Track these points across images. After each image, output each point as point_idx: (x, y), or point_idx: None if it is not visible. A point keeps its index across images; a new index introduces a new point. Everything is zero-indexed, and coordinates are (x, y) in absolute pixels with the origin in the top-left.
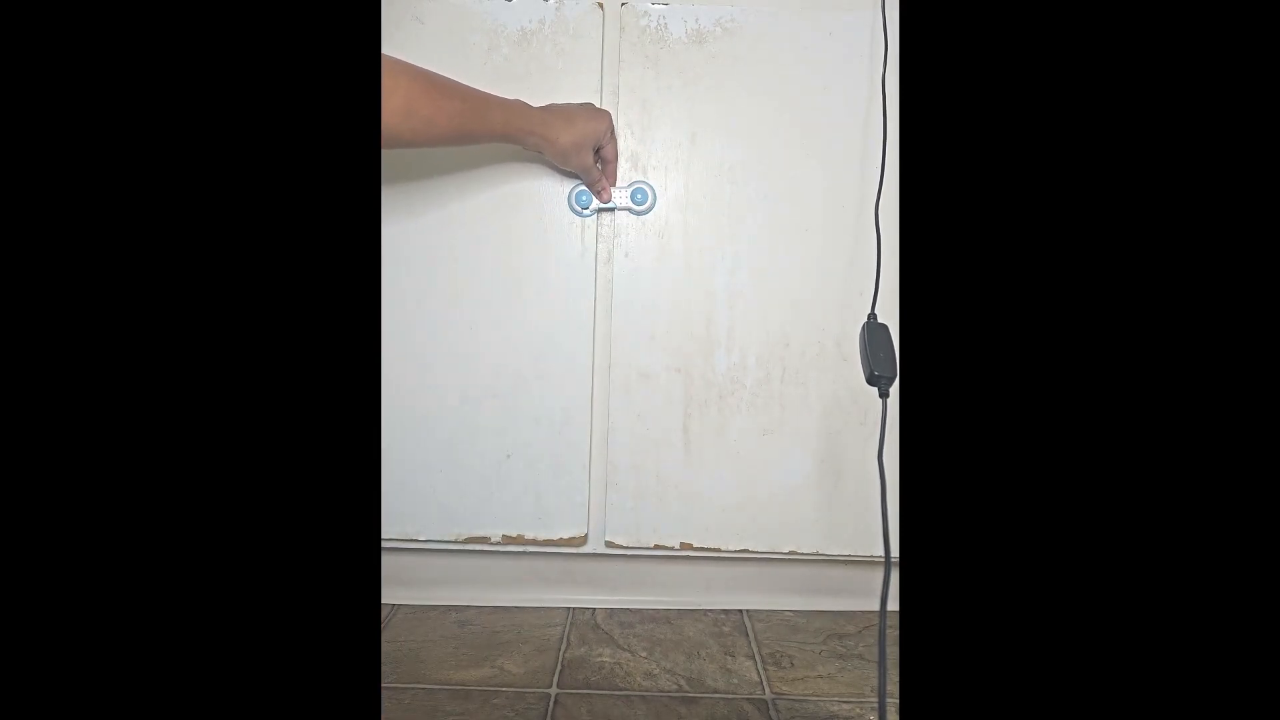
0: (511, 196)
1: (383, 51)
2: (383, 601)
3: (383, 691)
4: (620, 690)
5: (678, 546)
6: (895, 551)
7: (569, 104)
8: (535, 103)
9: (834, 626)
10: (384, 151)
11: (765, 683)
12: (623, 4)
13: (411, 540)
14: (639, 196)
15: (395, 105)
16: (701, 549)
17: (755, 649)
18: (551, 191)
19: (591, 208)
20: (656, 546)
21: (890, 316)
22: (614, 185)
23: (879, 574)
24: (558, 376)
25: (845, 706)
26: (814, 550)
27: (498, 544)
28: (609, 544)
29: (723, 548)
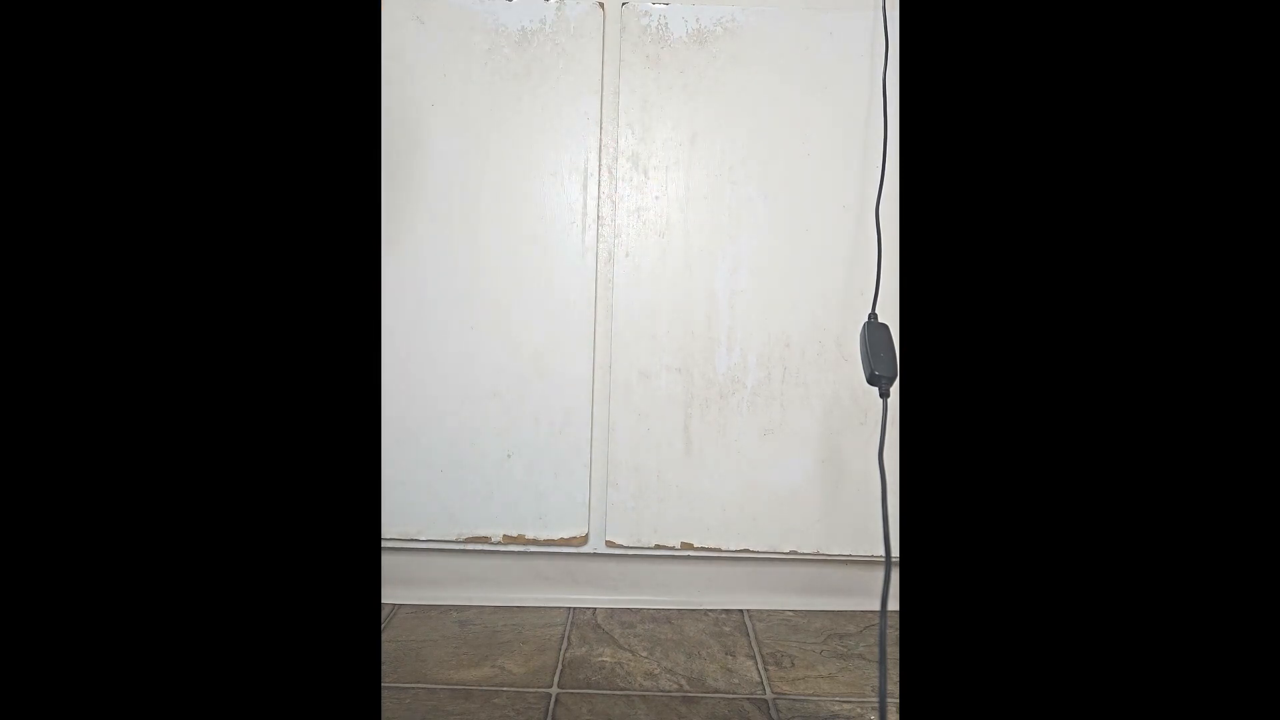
0: (513, 197)
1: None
2: (383, 601)
3: (383, 691)
4: (621, 690)
5: (678, 546)
6: (895, 551)
7: None
8: (534, 103)
9: (834, 626)
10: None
11: (766, 682)
12: (623, 4)
13: (412, 540)
14: None
15: None
16: (702, 549)
17: (756, 649)
18: (551, 191)
19: None
20: (657, 546)
21: (890, 316)
22: None
23: (879, 574)
24: (559, 376)
25: (846, 706)
26: (814, 550)
27: (498, 544)
28: (609, 543)
29: (723, 547)
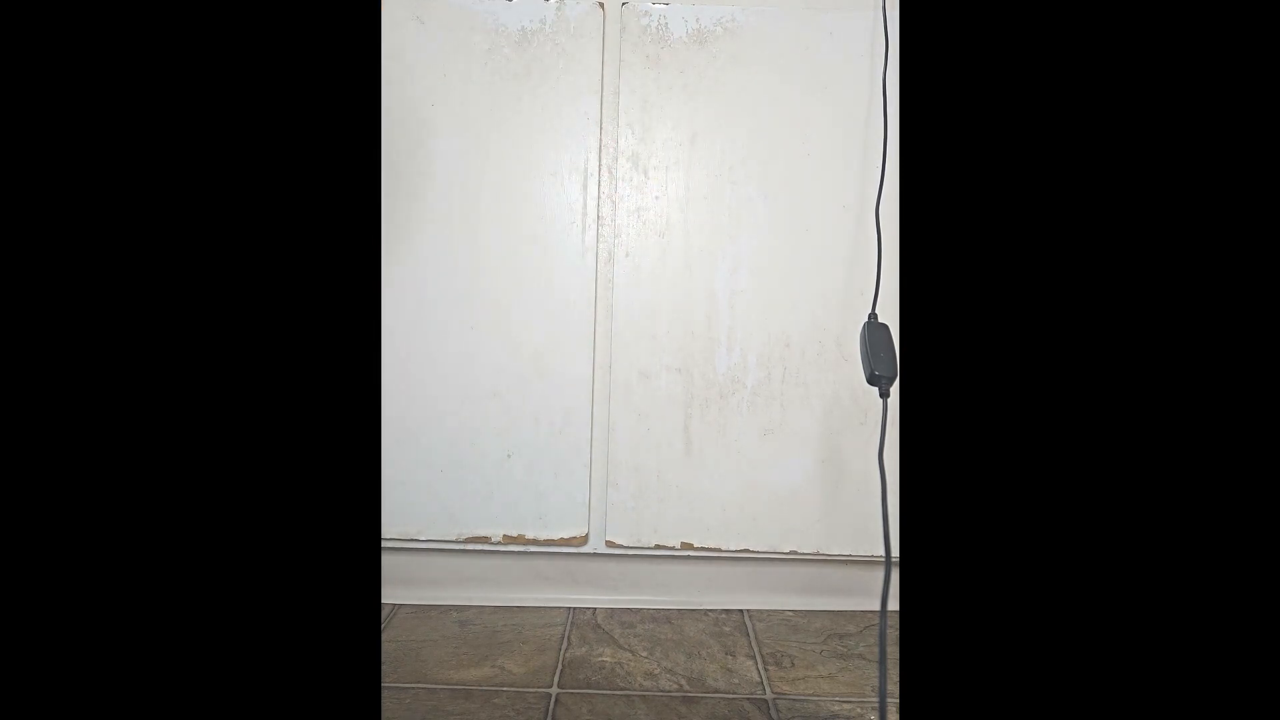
0: (513, 197)
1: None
2: (383, 601)
3: (383, 691)
4: (621, 690)
5: (678, 546)
6: (895, 551)
7: None
8: (534, 103)
9: (834, 626)
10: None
11: (766, 682)
12: (623, 4)
13: (412, 540)
14: None
15: None
16: (702, 548)
17: (756, 649)
18: (552, 191)
19: None
20: (657, 546)
21: (890, 316)
22: None
23: (879, 574)
24: (559, 376)
25: (846, 706)
26: (814, 550)
27: (498, 544)
28: (609, 543)
29: (723, 547)
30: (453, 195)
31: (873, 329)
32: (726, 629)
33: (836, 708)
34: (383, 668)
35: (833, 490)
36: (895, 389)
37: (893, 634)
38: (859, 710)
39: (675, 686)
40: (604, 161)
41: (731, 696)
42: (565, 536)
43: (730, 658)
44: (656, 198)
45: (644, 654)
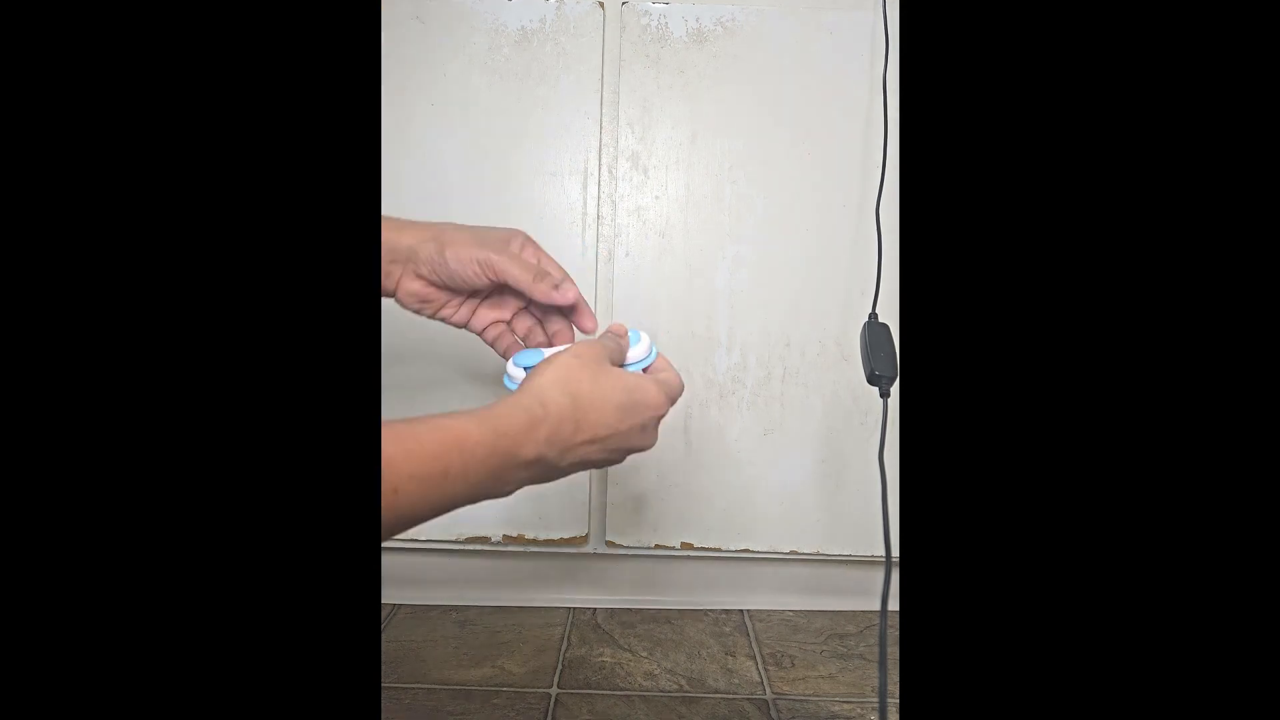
0: (514, 197)
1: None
2: (383, 601)
3: (383, 691)
4: (621, 690)
5: (678, 546)
6: (895, 551)
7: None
8: (534, 103)
9: (834, 626)
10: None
11: (766, 683)
12: (623, 3)
13: (411, 540)
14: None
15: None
16: (702, 549)
17: (756, 649)
18: (552, 191)
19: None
20: (657, 546)
21: (890, 316)
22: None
23: (879, 574)
24: None
25: (846, 706)
26: (814, 550)
27: (498, 544)
28: (609, 543)
29: (723, 547)
30: (452, 195)
31: (873, 329)
32: (726, 629)
33: (836, 708)
34: (383, 668)
35: (833, 490)
36: (895, 389)
37: (893, 634)
38: (859, 710)
39: (675, 686)
40: (604, 161)
41: (731, 697)
42: (565, 536)
43: (730, 658)
44: (656, 198)
45: (644, 654)
